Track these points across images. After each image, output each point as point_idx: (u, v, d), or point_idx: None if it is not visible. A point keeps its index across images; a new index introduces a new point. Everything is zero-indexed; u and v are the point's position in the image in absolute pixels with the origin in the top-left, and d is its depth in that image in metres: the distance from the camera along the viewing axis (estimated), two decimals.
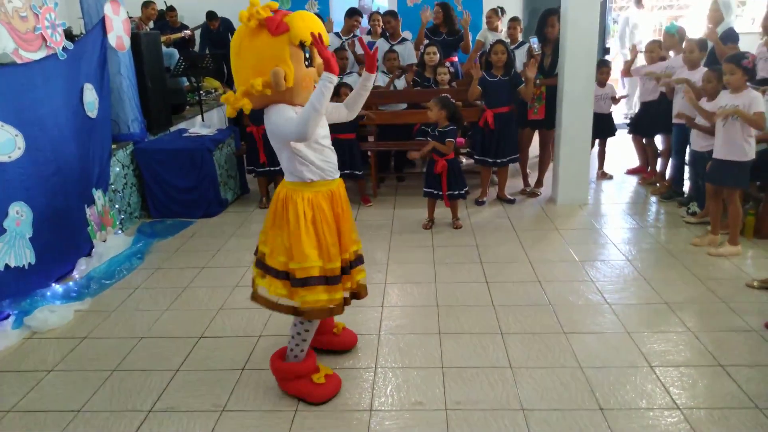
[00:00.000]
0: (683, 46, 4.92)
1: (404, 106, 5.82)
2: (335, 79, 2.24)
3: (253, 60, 2.29)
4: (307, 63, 2.34)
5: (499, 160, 5.11)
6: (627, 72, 5.72)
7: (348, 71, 5.87)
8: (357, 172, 5.19)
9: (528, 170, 5.72)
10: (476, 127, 5.23)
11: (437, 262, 4.03)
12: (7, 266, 3.33)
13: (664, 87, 5.02)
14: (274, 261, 2.47)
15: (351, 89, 5.09)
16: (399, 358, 2.89)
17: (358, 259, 2.67)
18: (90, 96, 4.38)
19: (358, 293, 2.72)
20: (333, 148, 2.52)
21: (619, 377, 2.66)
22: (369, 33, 7.07)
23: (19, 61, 3.65)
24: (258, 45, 2.27)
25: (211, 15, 8.25)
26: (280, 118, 2.33)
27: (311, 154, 2.40)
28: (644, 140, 5.70)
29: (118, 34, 4.78)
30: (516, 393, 2.58)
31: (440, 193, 4.62)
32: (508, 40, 5.90)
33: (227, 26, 8.33)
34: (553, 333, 3.06)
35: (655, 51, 5.36)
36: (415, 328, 3.17)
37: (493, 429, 2.36)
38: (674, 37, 5.19)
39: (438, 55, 5.74)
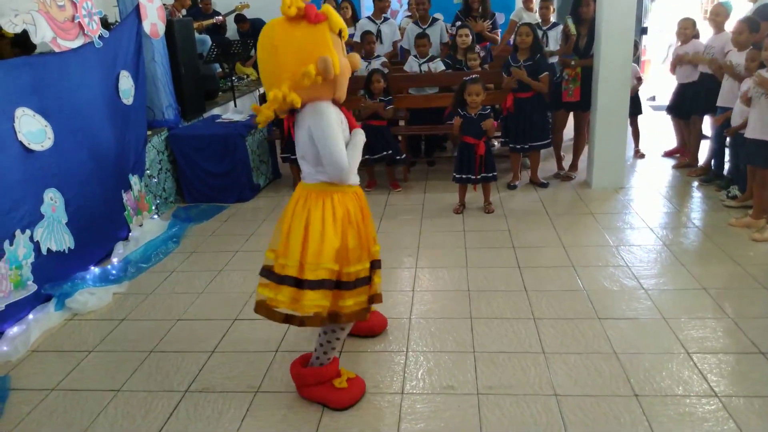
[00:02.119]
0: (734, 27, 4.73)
1: (435, 90, 5.77)
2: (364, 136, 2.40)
3: (296, 52, 2.16)
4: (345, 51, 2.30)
5: (527, 146, 5.05)
6: (674, 69, 5.36)
7: (376, 55, 5.85)
8: (397, 156, 5.17)
9: (562, 153, 5.63)
10: (508, 111, 5.17)
11: (468, 247, 4.00)
12: (49, 250, 3.43)
13: (707, 68, 4.85)
14: (291, 270, 2.29)
15: (383, 75, 5.12)
16: (430, 342, 2.89)
17: (377, 263, 2.52)
18: (126, 83, 4.45)
19: (372, 299, 2.52)
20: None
21: (654, 364, 2.62)
22: (409, 16, 7.05)
23: (57, 50, 3.73)
24: (298, 36, 2.15)
25: (239, 18, 8.19)
26: (326, 128, 2.20)
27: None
28: (683, 122, 5.55)
29: (153, 22, 4.84)
30: (549, 378, 2.56)
31: (472, 177, 4.58)
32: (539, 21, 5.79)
33: (257, 27, 8.19)
34: (586, 318, 3.02)
35: (689, 29, 5.19)
36: (446, 313, 3.16)
37: (526, 414, 2.35)
38: (728, 13, 4.94)
39: (470, 37, 5.66)
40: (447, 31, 6.30)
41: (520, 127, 5.01)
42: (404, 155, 5.29)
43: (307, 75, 2.12)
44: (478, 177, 4.59)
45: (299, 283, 2.28)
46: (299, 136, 2.31)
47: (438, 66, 5.74)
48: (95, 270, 3.79)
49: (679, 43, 5.28)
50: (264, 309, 2.40)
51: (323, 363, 2.50)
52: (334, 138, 2.20)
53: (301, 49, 2.16)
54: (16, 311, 3.18)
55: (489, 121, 4.43)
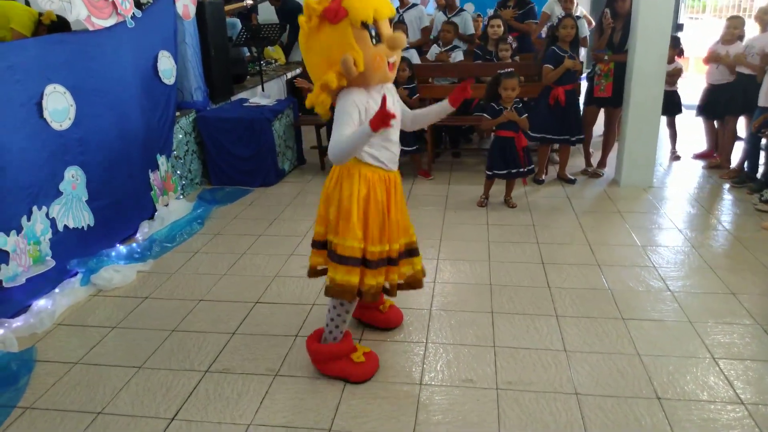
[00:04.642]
0: None
1: (457, 80, 5.71)
2: (372, 134, 2.14)
3: (323, 54, 2.24)
4: (374, 41, 2.24)
5: (571, 138, 4.96)
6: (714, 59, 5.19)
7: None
8: (407, 149, 5.12)
9: (591, 150, 5.53)
10: (538, 103, 5.08)
11: (491, 241, 3.97)
12: (66, 227, 3.47)
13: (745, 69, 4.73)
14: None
15: (408, 63, 5.06)
16: (450, 335, 2.88)
17: (409, 252, 2.60)
18: (167, 63, 4.50)
19: (411, 284, 2.67)
20: (398, 142, 2.48)
21: (679, 367, 2.57)
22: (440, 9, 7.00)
23: (91, 29, 3.76)
24: (323, 38, 2.22)
25: None
26: (339, 113, 2.27)
27: (373, 149, 2.36)
28: (716, 123, 5.42)
29: (185, 3, 4.85)
30: (570, 377, 2.53)
31: (516, 171, 4.53)
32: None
33: (289, 4, 8.08)
34: (610, 318, 2.98)
35: (738, 29, 5.04)
36: (467, 306, 3.14)
37: (545, 411, 2.33)
38: None
39: (502, 28, 5.59)
40: (475, 21, 6.24)
41: (556, 120, 4.92)
42: (409, 148, 5.16)
43: (329, 84, 2.22)
44: (526, 169, 4.55)
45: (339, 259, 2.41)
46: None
47: (457, 56, 5.68)
48: (121, 248, 3.84)
49: (720, 42, 5.12)
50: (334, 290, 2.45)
51: (336, 338, 2.56)
52: (340, 124, 2.26)
53: (324, 53, 2.25)
54: (42, 285, 3.23)
55: (511, 115, 4.39)
